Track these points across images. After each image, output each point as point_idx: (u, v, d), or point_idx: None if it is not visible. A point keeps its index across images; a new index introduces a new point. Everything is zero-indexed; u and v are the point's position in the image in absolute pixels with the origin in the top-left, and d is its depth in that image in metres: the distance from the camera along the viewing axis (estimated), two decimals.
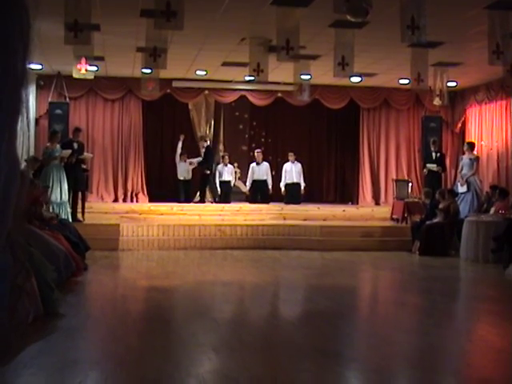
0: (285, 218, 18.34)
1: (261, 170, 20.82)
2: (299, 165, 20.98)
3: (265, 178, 20.78)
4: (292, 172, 20.87)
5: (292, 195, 20.67)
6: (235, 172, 21.57)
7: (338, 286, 11.26)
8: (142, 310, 9.38)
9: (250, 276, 12.35)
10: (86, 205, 17.26)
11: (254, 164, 21.03)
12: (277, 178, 21.31)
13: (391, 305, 10.01)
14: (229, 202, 20.21)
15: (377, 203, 21.81)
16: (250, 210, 19.14)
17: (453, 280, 12.72)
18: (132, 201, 20.76)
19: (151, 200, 20.63)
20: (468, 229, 14.97)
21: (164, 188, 21.49)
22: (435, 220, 15.93)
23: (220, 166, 21.00)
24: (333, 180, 23.50)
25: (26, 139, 1.10)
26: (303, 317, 8.96)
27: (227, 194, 20.68)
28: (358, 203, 21.92)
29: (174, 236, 16.35)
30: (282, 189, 20.91)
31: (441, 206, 15.96)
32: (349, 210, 20.09)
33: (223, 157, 21.30)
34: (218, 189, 20.75)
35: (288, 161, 21.07)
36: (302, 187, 20.99)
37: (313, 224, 17.37)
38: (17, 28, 1.09)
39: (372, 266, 14.51)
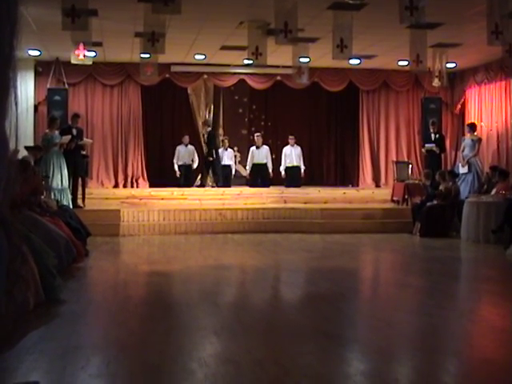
0: (285, 202, 18.32)
1: (261, 154, 20.81)
2: (299, 148, 20.97)
3: (265, 161, 20.79)
4: (292, 155, 20.86)
5: (292, 178, 20.67)
6: (235, 156, 21.54)
7: (339, 268, 11.26)
8: (143, 294, 9.38)
9: (251, 259, 12.35)
10: (87, 191, 17.27)
11: (253, 148, 21.03)
12: (277, 161, 21.33)
13: (392, 286, 10.01)
14: (229, 186, 20.22)
15: (377, 185, 21.81)
16: (251, 194, 19.12)
17: (454, 261, 12.72)
18: (132, 186, 20.76)
19: (151, 185, 20.62)
20: (468, 210, 14.97)
21: (164, 173, 21.48)
22: (436, 201, 15.93)
23: (220, 151, 20.97)
24: (333, 162, 23.47)
25: (14, 119, 1.08)
26: (305, 299, 8.97)
27: (227, 178, 20.67)
28: (358, 185, 21.91)
29: (175, 221, 16.35)
30: (282, 172, 20.92)
31: (441, 187, 15.95)
32: (349, 192, 20.07)
33: (223, 141, 21.27)
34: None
35: (288, 144, 21.06)
36: (302, 170, 20.98)
37: (313, 207, 17.36)
38: (3, 6, 1.06)
39: (373, 247, 14.51)
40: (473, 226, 14.76)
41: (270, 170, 20.84)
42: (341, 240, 15.01)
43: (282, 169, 20.94)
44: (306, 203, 18.09)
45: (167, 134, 22.23)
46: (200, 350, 6.08)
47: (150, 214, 16.34)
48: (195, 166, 20.85)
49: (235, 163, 21.48)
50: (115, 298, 8.79)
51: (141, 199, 18.15)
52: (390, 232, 16.05)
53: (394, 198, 18.70)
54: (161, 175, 21.31)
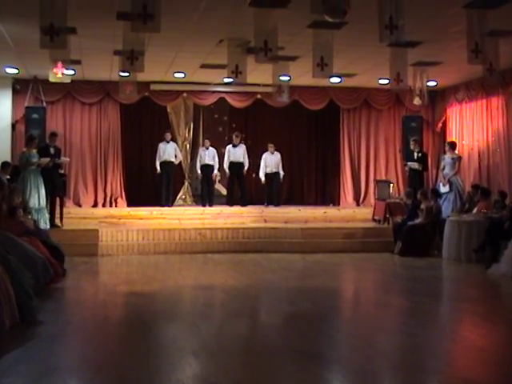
0: (266, 221, 18.35)
1: (238, 152, 20.81)
2: (278, 155, 21.07)
3: (241, 160, 20.80)
4: (271, 162, 20.97)
5: (271, 184, 20.91)
6: (215, 175, 21.40)
7: (319, 288, 11.28)
8: (121, 315, 9.36)
9: (230, 279, 12.34)
10: (64, 210, 17.20)
11: (230, 146, 21.02)
12: (257, 178, 21.36)
13: (373, 306, 10.04)
14: (213, 187, 20.38)
15: (358, 204, 21.86)
16: (231, 213, 19.15)
17: (435, 280, 12.76)
18: (111, 205, 20.69)
19: (130, 205, 20.57)
20: (450, 228, 15.04)
21: (143, 192, 21.44)
22: (417, 220, 15.99)
23: (201, 150, 21.03)
24: (313, 181, 23.48)
25: None
26: (285, 320, 8.96)
27: (209, 179, 20.71)
28: (339, 204, 21.94)
29: (154, 240, 16.31)
30: (262, 179, 20.99)
31: (422, 206, 16.01)
32: (330, 211, 20.12)
33: (204, 140, 21.20)
34: (199, 171, 20.73)
35: (267, 151, 21.14)
36: (282, 176, 21.12)
37: (294, 226, 17.39)
38: None
39: (354, 267, 14.55)
40: (454, 245, 14.82)
41: (246, 168, 20.87)
42: (321, 259, 15.02)
43: (261, 175, 21.04)
44: (286, 222, 18.13)
45: (146, 153, 22.16)
46: (178, 371, 6.08)
47: (129, 234, 16.31)
48: (177, 162, 20.89)
49: (218, 164, 21.20)
50: (93, 318, 8.76)
51: (119, 219, 18.13)
52: (371, 251, 16.08)
53: (375, 217, 18.76)
54: (140, 195, 21.25)
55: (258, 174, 21.21)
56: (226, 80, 17.80)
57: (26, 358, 6.41)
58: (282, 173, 21.17)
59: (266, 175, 21.00)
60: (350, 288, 12.71)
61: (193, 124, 22.34)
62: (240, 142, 21.02)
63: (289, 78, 17.58)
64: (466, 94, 20.18)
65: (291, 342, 7.28)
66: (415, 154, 18.94)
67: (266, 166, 21.01)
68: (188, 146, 22.16)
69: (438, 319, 9.18)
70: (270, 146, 21.12)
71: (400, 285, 12.11)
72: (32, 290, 8.30)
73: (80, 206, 20.42)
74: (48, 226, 15.18)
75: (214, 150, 20.93)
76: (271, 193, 21.00)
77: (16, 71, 18.62)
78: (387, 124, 22.28)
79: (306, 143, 23.49)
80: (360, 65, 17.66)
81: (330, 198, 22.89)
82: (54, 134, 16.90)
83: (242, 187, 20.82)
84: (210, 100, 21.43)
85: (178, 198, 21.78)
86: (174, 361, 6.42)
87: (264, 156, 21.14)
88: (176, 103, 21.66)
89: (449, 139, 20.39)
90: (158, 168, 20.48)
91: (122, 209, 19.95)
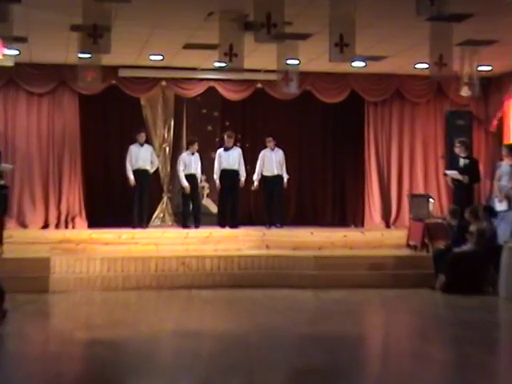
0: (268, 247, 18.33)
1: (231, 158, 20.83)
2: (280, 152, 21.12)
3: (236, 167, 20.81)
4: (272, 162, 20.88)
5: (271, 192, 20.80)
6: (203, 187, 21.41)
7: (338, 335, 11.27)
8: (79, 370, 9.31)
9: (223, 323, 12.34)
10: (5, 233, 17.16)
11: (221, 150, 21.05)
12: (257, 196, 21.37)
13: (408, 359, 10.00)
14: (199, 200, 20.46)
15: (388, 226, 21.85)
16: (223, 237, 19.13)
17: (489, 325, 12.72)
18: (67, 227, 20.66)
19: (92, 226, 20.52)
20: (509, 258, 14.98)
21: (109, 210, 21.38)
22: (465, 247, 15.95)
23: (185, 155, 20.95)
24: (330, 196, 23.49)
25: None
26: (292, 376, 8.92)
27: (194, 194, 20.72)
28: (363, 226, 21.97)
29: (123, 272, 16.30)
30: (255, 183, 21.03)
31: (472, 228, 15.96)
32: (351, 234, 20.12)
33: (194, 144, 20.88)
34: (186, 183, 20.58)
35: (266, 147, 21.18)
36: (285, 180, 21.05)
37: (305, 254, 17.38)
38: None
39: (383, 307, 14.55)
40: None
41: (243, 179, 20.80)
42: (340, 297, 15.03)
43: (255, 178, 21.07)
44: (294, 249, 18.13)
45: (113, 159, 22.10)
46: None
47: (90, 264, 16.28)
48: (153, 170, 20.87)
49: (204, 195, 21.31)
50: (42, 375, 8.72)
51: (78, 244, 18.09)
52: (405, 287, 16.07)
53: (411, 243, 18.74)
54: (104, 213, 21.21)
55: (260, 185, 21.18)
56: (217, 65, 17.83)
57: None
58: (285, 176, 21.14)
59: (265, 179, 20.97)
60: (377, 335, 12.68)
61: (174, 121, 22.38)
62: (234, 145, 21.00)
63: (298, 63, 17.59)
64: None
65: None
66: (461, 161, 18.85)
67: (263, 167, 20.97)
68: (168, 149, 22.22)
69: (494, 376, 9.13)
70: (269, 141, 21.09)
71: (443, 331, 12.10)
72: None
73: (26, 227, 20.40)
74: None
75: (198, 156, 20.86)
76: (272, 206, 20.88)
77: None
78: (426, 121, 22.31)
79: (321, 146, 23.54)
80: (391, 44, 17.67)
81: (351, 216, 22.91)
82: None
83: (234, 202, 20.68)
84: (196, 90, 21.47)
85: (154, 217, 21.80)
86: None
87: (262, 153, 21.17)
88: (152, 94, 21.70)
89: (507, 141, 20.34)
90: (132, 178, 20.38)
91: (82, 231, 19.94)
